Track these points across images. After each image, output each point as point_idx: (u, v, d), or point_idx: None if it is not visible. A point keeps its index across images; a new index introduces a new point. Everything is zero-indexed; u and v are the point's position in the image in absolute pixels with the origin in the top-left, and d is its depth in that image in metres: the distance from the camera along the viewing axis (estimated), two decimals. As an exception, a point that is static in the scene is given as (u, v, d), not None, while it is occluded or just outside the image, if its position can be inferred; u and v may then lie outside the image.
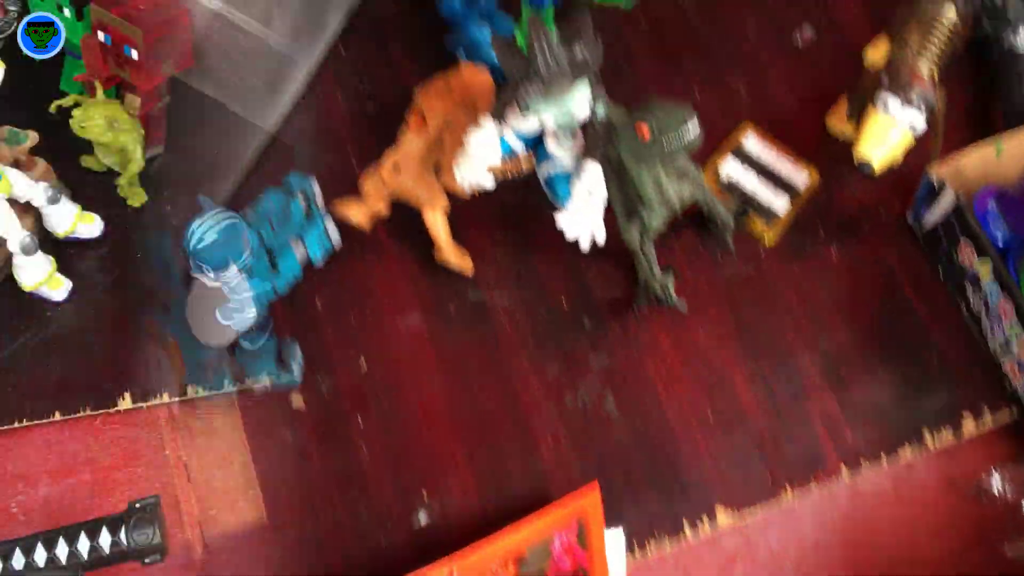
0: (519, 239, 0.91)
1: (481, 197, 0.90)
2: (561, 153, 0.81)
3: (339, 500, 0.86)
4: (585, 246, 0.81)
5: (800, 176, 0.96)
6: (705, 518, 0.83)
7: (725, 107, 1.01)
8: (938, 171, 0.89)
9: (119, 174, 1.12)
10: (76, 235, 1.08)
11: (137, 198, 1.12)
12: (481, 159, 0.79)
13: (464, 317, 0.90)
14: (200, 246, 0.87)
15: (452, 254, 0.88)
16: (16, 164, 1.08)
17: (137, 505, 0.94)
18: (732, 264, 0.93)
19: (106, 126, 1.09)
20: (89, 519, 0.93)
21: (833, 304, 0.93)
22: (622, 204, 0.82)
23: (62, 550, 0.93)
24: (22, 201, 1.04)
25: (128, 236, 1.08)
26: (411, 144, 0.86)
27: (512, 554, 0.73)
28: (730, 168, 0.95)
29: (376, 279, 0.91)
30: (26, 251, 1.02)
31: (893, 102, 0.87)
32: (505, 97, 0.78)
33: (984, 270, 0.87)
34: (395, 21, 1.08)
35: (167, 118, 1.13)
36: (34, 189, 1.04)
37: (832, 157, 0.96)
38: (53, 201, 1.05)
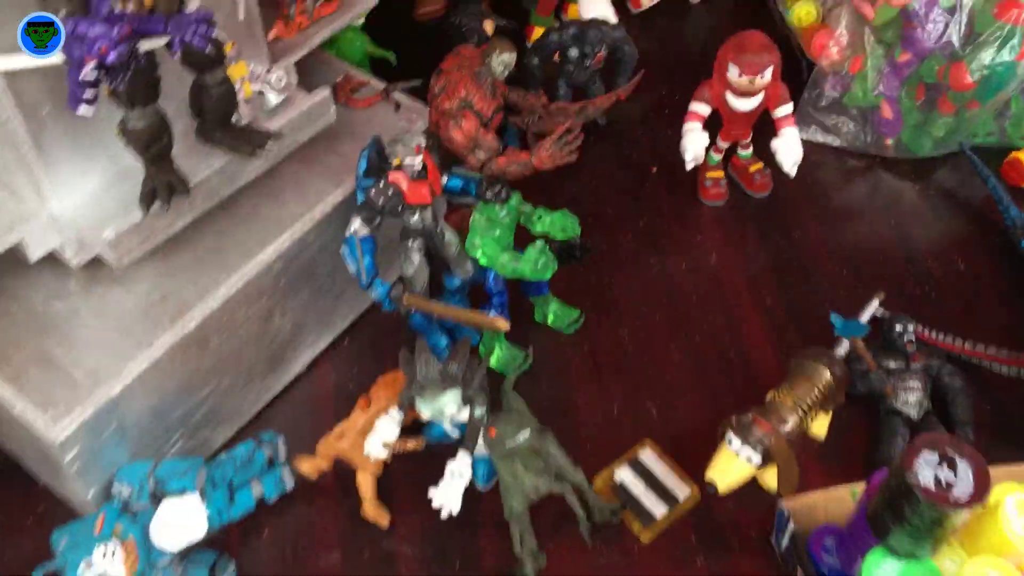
0: (430, 508, 1.07)
1: (410, 470, 1.12)
2: (451, 429, 1.05)
3: None
4: (444, 515, 1.01)
5: (683, 490, 1.13)
6: None
7: (637, 424, 1.20)
8: (789, 504, 1.04)
9: None
10: None
11: None
12: (380, 436, 1.04)
13: (373, 561, 1.08)
14: None
15: (373, 509, 1.10)
16: None
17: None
18: (608, 554, 1.09)
19: None
20: None
21: (688, 602, 1.07)
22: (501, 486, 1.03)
23: None
24: None
25: None
26: (357, 419, 1.10)
27: None
28: (624, 474, 1.14)
29: (313, 518, 1.11)
30: None
31: (735, 440, 1.05)
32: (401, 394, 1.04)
33: (811, 594, 1.01)
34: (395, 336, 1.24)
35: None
36: None
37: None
38: None
